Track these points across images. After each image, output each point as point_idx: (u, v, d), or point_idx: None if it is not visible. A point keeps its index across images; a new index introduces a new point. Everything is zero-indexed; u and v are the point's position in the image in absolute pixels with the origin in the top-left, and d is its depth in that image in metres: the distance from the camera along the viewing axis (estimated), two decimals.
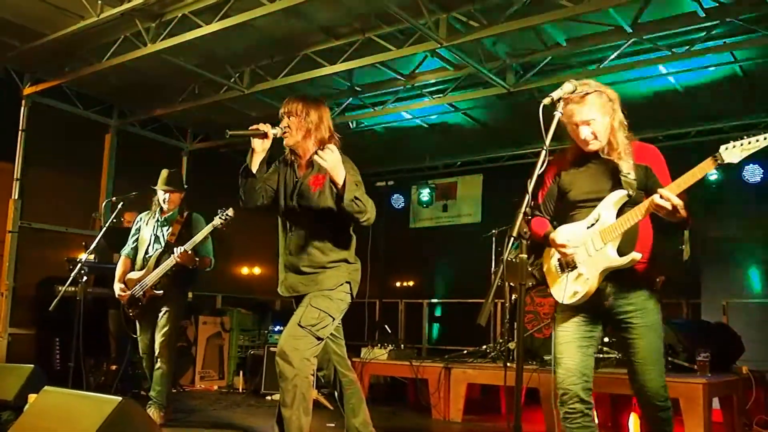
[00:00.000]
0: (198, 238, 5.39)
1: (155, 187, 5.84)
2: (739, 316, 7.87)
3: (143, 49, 7.02)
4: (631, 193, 2.99)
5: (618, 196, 3.02)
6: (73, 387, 5.29)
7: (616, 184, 3.04)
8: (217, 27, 6.43)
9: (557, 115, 2.85)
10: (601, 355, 5.85)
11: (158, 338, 5.46)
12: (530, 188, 2.73)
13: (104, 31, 7.07)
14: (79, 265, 5.72)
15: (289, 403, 3.42)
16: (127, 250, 5.87)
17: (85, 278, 5.80)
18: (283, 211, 3.77)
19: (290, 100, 3.68)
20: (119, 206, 6.15)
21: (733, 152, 2.70)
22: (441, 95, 8.25)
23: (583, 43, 6.92)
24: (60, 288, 5.80)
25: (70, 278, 5.71)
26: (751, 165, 7.97)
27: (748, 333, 6.66)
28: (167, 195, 5.75)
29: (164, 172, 5.80)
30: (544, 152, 2.75)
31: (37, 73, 8.20)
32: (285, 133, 3.60)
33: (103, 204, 8.12)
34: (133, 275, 5.67)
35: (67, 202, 8.72)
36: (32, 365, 4.81)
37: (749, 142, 2.67)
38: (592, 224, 3.05)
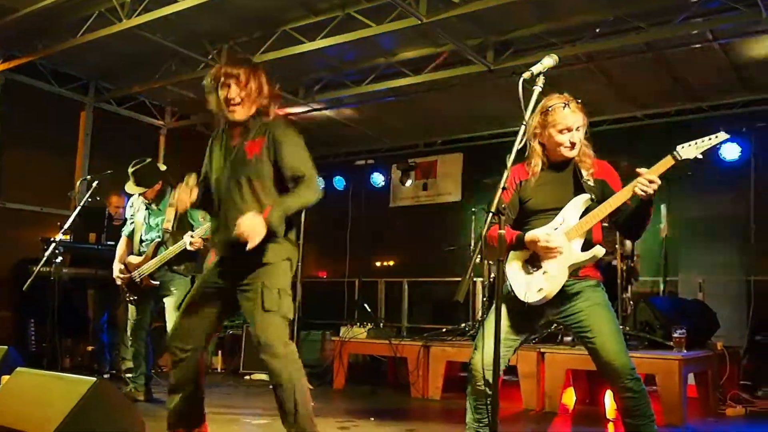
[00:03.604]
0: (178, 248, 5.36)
1: (128, 192, 5.72)
2: (715, 294, 7.96)
3: (118, 25, 6.88)
4: (593, 197, 3.12)
5: (582, 200, 3.14)
6: (49, 368, 5.25)
7: (577, 192, 3.17)
8: (194, 2, 6.30)
9: (537, 89, 2.84)
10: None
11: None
12: (509, 164, 2.73)
13: (78, 5, 6.93)
14: (53, 244, 5.63)
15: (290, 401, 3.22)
16: (127, 230, 5.83)
17: (59, 258, 5.72)
18: (217, 186, 3.43)
19: (236, 65, 3.34)
20: (95, 184, 6.06)
21: (689, 150, 2.95)
22: (421, 73, 8.17)
23: (564, 20, 6.89)
24: (34, 268, 5.71)
25: (44, 258, 5.63)
26: (729, 143, 7.98)
27: (723, 310, 6.73)
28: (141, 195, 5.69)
29: (130, 173, 5.60)
30: (523, 127, 2.79)
31: (10, 49, 8.02)
32: (231, 109, 3.31)
33: (79, 182, 8.01)
34: (133, 259, 5.64)
35: (42, 181, 8.58)
36: (6, 346, 4.74)
37: (702, 141, 2.95)
38: (556, 228, 3.14)
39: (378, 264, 11.56)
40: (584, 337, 3.11)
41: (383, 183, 11.30)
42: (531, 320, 3.27)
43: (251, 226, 3.08)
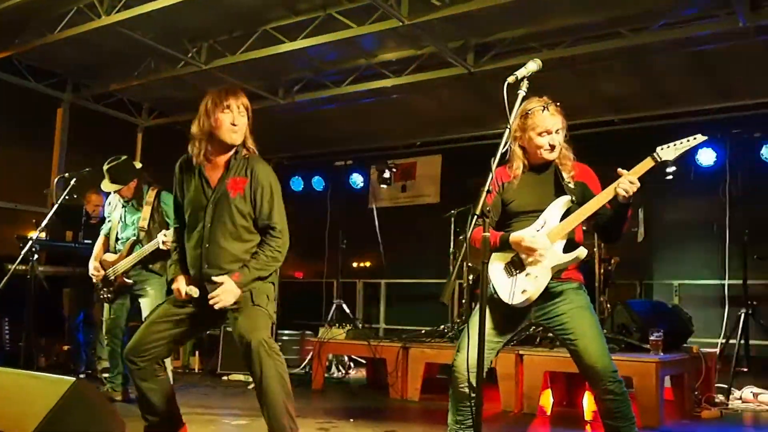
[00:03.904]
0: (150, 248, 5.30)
1: (104, 190, 5.65)
2: (691, 297, 8.05)
3: (97, 21, 6.83)
4: (573, 199, 3.16)
5: (563, 202, 3.18)
6: (25, 367, 5.18)
7: (558, 193, 3.21)
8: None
9: (521, 93, 2.86)
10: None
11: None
12: (494, 167, 2.75)
13: (57, 1, 6.85)
14: (30, 242, 5.56)
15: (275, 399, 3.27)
16: (105, 229, 5.77)
17: (36, 256, 5.64)
18: (196, 220, 3.44)
19: (241, 95, 3.44)
20: (72, 182, 5.97)
21: (668, 151, 3.01)
22: (402, 74, 8.18)
23: (544, 25, 6.93)
24: (9, 266, 5.63)
25: (20, 256, 5.55)
26: (705, 148, 8.09)
27: (698, 313, 6.81)
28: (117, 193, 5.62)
29: (105, 170, 5.51)
30: (508, 131, 2.83)
31: None
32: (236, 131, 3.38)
33: (55, 180, 7.91)
34: (108, 257, 5.58)
35: (18, 178, 8.48)
36: None
37: (681, 143, 3.02)
38: (538, 230, 3.17)
39: (356, 265, 11.54)
40: (566, 340, 3.12)
41: (362, 184, 11.29)
42: (514, 322, 3.28)
43: (226, 297, 3.29)
